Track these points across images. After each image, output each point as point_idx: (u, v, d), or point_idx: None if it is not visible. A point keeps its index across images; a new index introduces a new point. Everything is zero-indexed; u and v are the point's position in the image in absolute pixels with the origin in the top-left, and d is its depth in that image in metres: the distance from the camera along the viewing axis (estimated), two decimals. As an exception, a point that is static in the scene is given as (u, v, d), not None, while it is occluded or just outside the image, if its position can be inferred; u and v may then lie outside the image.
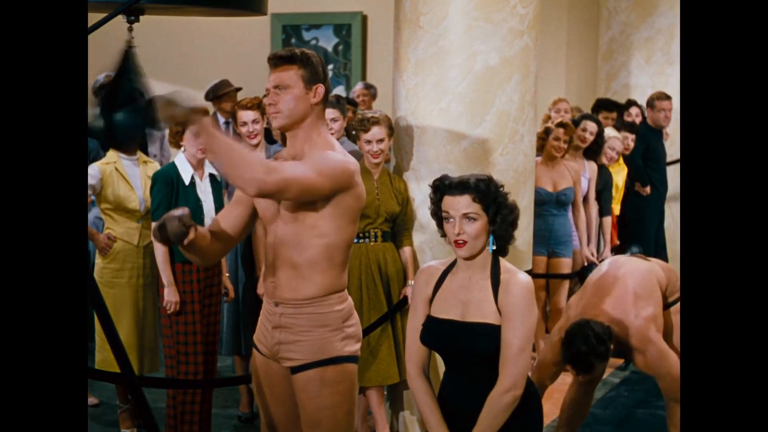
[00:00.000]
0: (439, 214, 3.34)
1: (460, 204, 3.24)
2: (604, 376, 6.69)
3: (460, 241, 3.25)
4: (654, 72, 8.36)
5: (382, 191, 5.22)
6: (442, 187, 3.31)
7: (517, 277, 3.28)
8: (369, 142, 5.18)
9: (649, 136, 7.68)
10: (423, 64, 5.24)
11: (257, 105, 5.51)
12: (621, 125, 7.56)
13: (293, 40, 10.06)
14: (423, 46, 5.24)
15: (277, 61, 3.40)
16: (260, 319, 3.63)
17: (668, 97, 7.52)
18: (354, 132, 5.33)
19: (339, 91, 9.86)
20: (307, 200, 3.34)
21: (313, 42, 10.02)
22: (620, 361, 6.93)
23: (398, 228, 5.32)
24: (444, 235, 3.36)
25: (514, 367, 3.21)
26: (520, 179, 5.34)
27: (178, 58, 10.35)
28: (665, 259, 7.86)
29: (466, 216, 3.24)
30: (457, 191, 3.25)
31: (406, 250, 5.31)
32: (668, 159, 8.07)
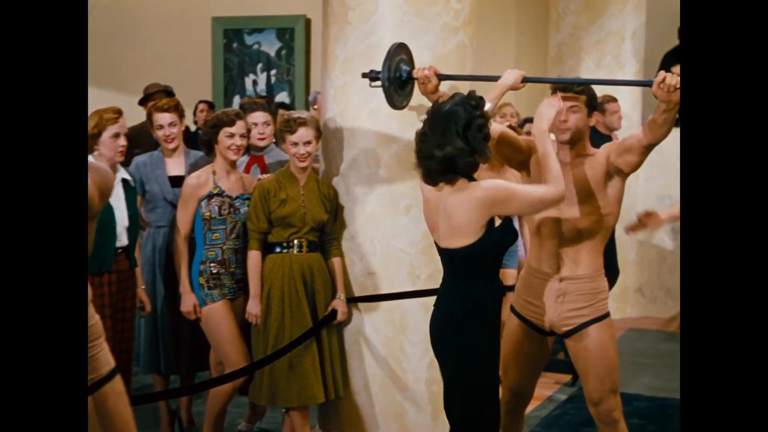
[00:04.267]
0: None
1: None
2: (550, 393, 6.39)
3: None
4: (604, 76, 8.06)
5: (308, 198, 4.89)
6: None
7: None
8: (295, 144, 4.86)
9: (597, 142, 7.38)
10: (352, 62, 4.93)
11: (174, 107, 5.19)
12: None
13: (235, 45, 9.73)
14: (351, 42, 4.93)
15: None
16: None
17: (615, 99, 7.27)
18: (279, 133, 4.99)
19: (282, 97, 9.53)
20: None
21: (255, 47, 9.69)
22: (567, 377, 6.64)
23: (327, 237, 4.99)
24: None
25: None
26: (456, 185, 5.02)
27: (118, 62, 10.01)
28: (616, 269, 7.59)
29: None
30: None
31: (336, 261, 4.98)
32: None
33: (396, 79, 4.59)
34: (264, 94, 9.46)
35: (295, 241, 4.87)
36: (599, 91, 7.65)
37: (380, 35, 4.85)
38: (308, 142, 4.87)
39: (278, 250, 4.88)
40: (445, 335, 3.93)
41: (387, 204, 4.93)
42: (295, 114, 4.95)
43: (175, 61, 9.71)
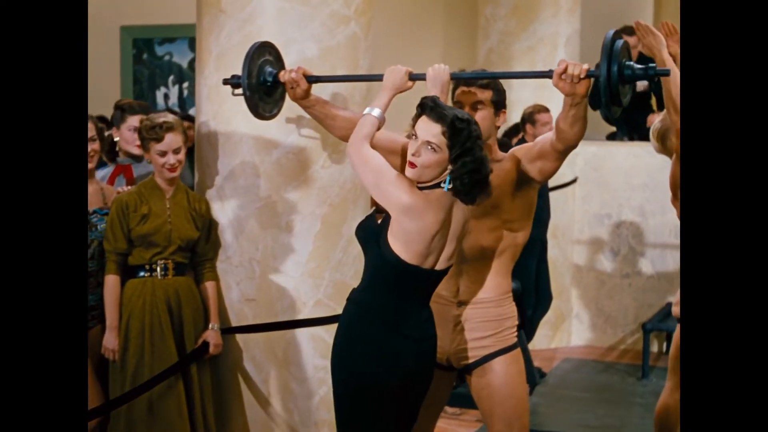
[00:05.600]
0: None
1: (428, 130, 3.26)
2: (467, 432, 5.78)
3: (412, 162, 3.28)
4: (537, 85, 7.41)
5: (175, 213, 4.25)
6: (423, 106, 3.32)
7: None
8: (164, 153, 4.23)
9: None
10: (226, 56, 4.30)
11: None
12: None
13: (145, 55, 9.08)
14: (226, 33, 4.31)
15: None
16: None
17: (548, 110, 6.67)
18: (143, 141, 4.32)
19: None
20: None
21: (167, 57, 9.06)
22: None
23: (198, 258, 4.36)
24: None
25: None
26: (348, 197, 4.39)
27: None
28: (549, 294, 6.99)
29: (428, 143, 3.25)
30: (433, 116, 3.25)
31: (209, 286, 4.35)
32: (553, 182, 7.19)
33: (260, 85, 3.97)
34: (176, 108, 8.82)
35: (160, 263, 4.23)
36: (531, 100, 7.18)
37: (258, 24, 4.25)
38: (178, 149, 4.25)
39: (141, 274, 4.23)
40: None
41: (267, 220, 4.30)
42: (160, 118, 4.31)
43: (80, 73, 9.07)
